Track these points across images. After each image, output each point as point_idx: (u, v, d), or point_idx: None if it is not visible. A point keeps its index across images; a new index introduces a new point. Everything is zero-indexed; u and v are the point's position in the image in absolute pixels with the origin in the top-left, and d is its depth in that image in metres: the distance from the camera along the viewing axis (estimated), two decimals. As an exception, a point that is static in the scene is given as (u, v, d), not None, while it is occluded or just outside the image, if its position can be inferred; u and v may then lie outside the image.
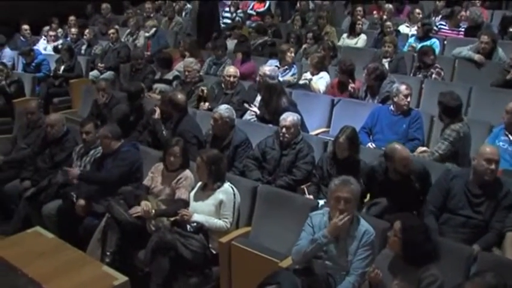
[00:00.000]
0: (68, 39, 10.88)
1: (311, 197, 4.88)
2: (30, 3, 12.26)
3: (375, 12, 11.19)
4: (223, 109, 5.56)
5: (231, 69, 7.07)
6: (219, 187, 4.65)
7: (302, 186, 5.14)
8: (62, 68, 9.38)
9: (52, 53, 10.42)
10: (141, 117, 6.56)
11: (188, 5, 12.48)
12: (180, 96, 6.00)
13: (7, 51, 10.06)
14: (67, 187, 5.46)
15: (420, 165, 4.68)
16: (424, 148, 5.60)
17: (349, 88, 6.86)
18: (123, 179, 5.23)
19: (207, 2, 9.96)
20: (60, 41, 10.87)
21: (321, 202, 4.68)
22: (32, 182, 5.73)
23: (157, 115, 6.12)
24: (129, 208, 4.77)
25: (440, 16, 10.10)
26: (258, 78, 6.76)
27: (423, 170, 4.64)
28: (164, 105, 6.09)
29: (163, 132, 5.97)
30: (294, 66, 7.89)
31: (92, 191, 5.24)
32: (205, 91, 7.03)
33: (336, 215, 3.70)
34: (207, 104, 6.91)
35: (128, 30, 10.99)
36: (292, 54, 7.89)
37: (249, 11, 11.78)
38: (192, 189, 4.86)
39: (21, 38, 11.09)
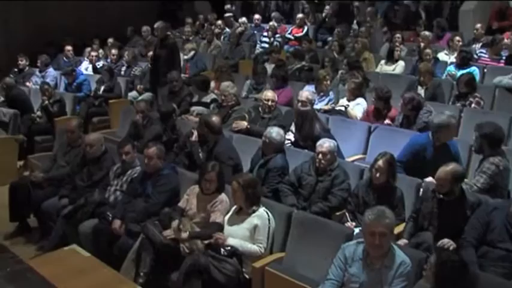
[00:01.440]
0: (108, 60, 11.11)
1: (353, 223, 4.84)
2: (74, 25, 12.56)
3: (412, 39, 11.15)
4: (272, 130, 5.64)
5: (269, 93, 7.10)
6: (254, 211, 4.65)
7: (338, 213, 5.10)
8: (102, 88, 9.61)
9: (93, 73, 10.64)
10: (173, 138, 6.64)
11: (227, 29, 12.62)
12: (215, 119, 6.05)
13: (51, 71, 10.34)
14: (103, 206, 5.53)
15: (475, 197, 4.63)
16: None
17: (386, 121, 6.79)
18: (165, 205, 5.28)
19: (165, 45, 9.10)
20: (101, 62, 11.11)
21: (356, 230, 4.63)
22: (69, 200, 5.79)
23: (194, 137, 6.17)
24: (165, 230, 4.81)
25: (480, 44, 10.00)
26: (298, 104, 6.75)
27: (476, 201, 4.56)
28: (200, 128, 6.15)
29: (200, 155, 6.01)
30: (331, 92, 7.88)
31: (128, 211, 5.30)
32: (246, 117, 7.05)
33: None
34: (244, 123, 6.95)
35: (167, 53, 11.15)
36: (328, 82, 7.88)
37: (287, 36, 11.84)
38: (227, 212, 4.87)
39: (64, 58, 11.36)
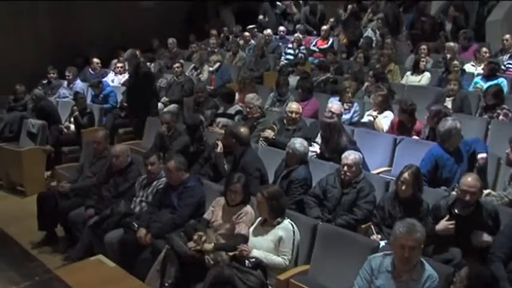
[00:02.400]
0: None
1: (379, 236, 4.80)
2: (102, 38, 12.75)
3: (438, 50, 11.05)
4: (296, 141, 5.64)
5: (294, 105, 7.10)
6: (278, 223, 4.64)
7: (363, 226, 5.07)
8: (128, 100, 9.67)
9: (119, 85, 10.76)
10: (201, 149, 6.68)
11: (252, 41, 12.67)
12: (243, 130, 6.07)
13: (78, 83, 10.46)
14: (129, 217, 5.58)
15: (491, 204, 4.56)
16: (489, 191, 5.42)
17: (414, 137, 6.74)
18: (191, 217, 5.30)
19: (138, 74, 8.72)
20: (127, 74, 11.21)
21: (382, 243, 4.59)
22: (95, 210, 5.85)
23: (219, 149, 6.20)
24: (190, 241, 4.82)
25: (508, 55, 9.88)
26: (329, 115, 6.75)
27: (493, 208, 4.50)
28: (227, 139, 6.17)
29: (225, 166, 6.03)
30: (356, 104, 7.86)
31: (153, 221, 5.33)
32: (275, 129, 7.05)
33: None
34: (272, 132, 6.95)
35: (193, 65, 11.26)
36: (350, 94, 7.86)
37: (312, 48, 11.85)
38: (252, 224, 4.87)
39: (90, 70, 11.49)
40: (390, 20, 12.40)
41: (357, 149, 5.77)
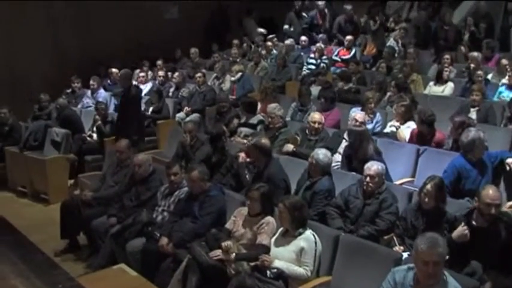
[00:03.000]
0: (156, 81, 11.28)
1: (402, 248, 4.75)
2: (123, 46, 12.90)
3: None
4: (319, 151, 5.61)
5: (316, 116, 7.09)
6: (300, 234, 4.63)
7: (385, 237, 5.02)
8: (151, 109, 9.76)
9: (142, 94, 10.81)
10: (223, 159, 6.69)
11: (274, 51, 12.67)
12: (265, 141, 6.07)
13: (101, 92, 10.58)
14: (151, 226, 5.60)
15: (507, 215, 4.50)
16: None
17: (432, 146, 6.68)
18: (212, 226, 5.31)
19: (127, 96, 8.38)
20: (150, 83, 11.30)
21: (405, 255, 4.55)
22: (118, 219, 5.88)
23: (241, 159, 6.20)
24: (211, 250, 4.83)
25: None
26: (352, 123, 6.74)
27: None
28: (251, 151, 6.15)
29: (247, 176, 6.03)
30: (378, 114, 7.82)
31: (175, 230, 5.34)
32: (298, 140, 7.04)
33: None
34: (292, 146, 6.93)
35: (215, 74, 11.30)
36: (372, 105, 7.83)
37: (334, 57, 11.82)
38: (274, 235, 4.85)
39: (109, 81, 11.56)
40: (422, 30, 12.28)
41: (382, 160, 5.76)
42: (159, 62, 12.11)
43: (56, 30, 12.27)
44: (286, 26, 14.06)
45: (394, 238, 4.93)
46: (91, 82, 10.62)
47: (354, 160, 6.17)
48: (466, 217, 4.50)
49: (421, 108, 7.30)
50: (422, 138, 6.80)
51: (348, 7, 13.02)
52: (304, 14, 14.17)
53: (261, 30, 14.34)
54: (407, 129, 7.10)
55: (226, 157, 6.71)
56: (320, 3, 13.18)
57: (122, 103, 8.56)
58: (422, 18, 12.64)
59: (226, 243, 4.74)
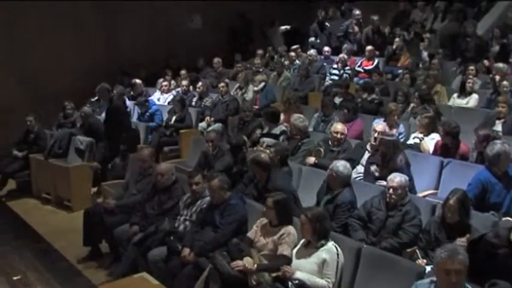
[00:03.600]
0: (179, 90, 11.34)
1: (425, 261, 4.70)
2: (148, 57, 13.00)
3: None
4: (338, 163, 5.57)
5: (339, 126, 7.07)
6: (322, 245, 4.60)
7: (408, 250, 4.97)
8: (174, 118, 9.83)
9: (165, 103, 10.91)
10: (244, 170, 6.68)
11: (297, 61, 12.68)
12: (263, 156, 6.06)
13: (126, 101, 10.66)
14: (173, 235, 5.61)
15: None
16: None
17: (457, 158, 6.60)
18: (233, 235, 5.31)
19: (108, 109, 8.78)
20: (174, 92, 11.37)
21: (428, 268, 4.49)
22: (140, 227, 5.91)
23: None
24: (232, 260, 4.82)
25: None
26: (375, 135, 6.68)
27: None
28: (250, 167, 6.17)
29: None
30: (401, 125, 7.77)
31: (196, 240, 5.35)
32: (321, 152, 7.02)
33: None
34: (313, 158, 6.91)
35: (237, 84, 11.34)
36: (396, 117, 7.78)
37: (357, 68, 11.78)
38: (295, 246, 4.84)
39: (132, 92, 11.65)
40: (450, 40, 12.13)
41: (410, 172, 5.73)
42: (183, 72, 12.16)
43: (83, 40, 12.42)
44: (312, 39, 13.98)
45: (417, 251, 4.88)
46: (114, 92, 10.71)
47: (383, 170, 6.10)
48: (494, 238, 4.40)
49: (446, 120, 7.24)
50: (446, 150, 6.73)
51: (375, 17, 12.90)
52: (327, 24, 14.14)
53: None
54: (431, 141, 7.04)
55: (247, 168, 6.73)
56: (357, 12, 12.93)
57: (106, 116, 8.69)
58: (454, 29, 12.47)
59: (248, 259, 4.74)
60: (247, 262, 4.72)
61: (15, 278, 6.14)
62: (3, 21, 11.18)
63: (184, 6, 13.91)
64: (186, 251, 5.23)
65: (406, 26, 13.20)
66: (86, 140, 8.66)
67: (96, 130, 9.15)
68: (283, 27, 14.46)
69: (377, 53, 12.14)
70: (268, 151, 6.45)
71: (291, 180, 6.13)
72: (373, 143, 6.67)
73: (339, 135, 6.94)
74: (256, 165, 5.99)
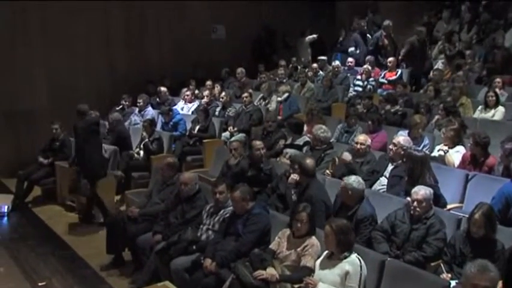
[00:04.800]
0: (202, 101, 11.38)
1: (449, 275, 4.65)
2: (173, 67, 13.12)
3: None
4: (351, 180, 5.50)
5: (361, 137, 7.06)
6: (346, 257, 4.56)
7: (433, 264, 4.92)
8: (197, 128, 9.88)
9: (189, 113, 10.97)
10: (261, 176, 6.77)
11: (321, 72, 12.67)
12: (309, 161, 6.05)
13: (149, 110, 10.79)
14: (195, 244, 5.62)
15: None
16: None
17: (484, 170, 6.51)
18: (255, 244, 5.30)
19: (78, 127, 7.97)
20: (197, 102, 11.43)
21: (453, 283, 4.45)
22: (163, 236, 5.92)
23: (290, 180, 6.18)
24: (255, 270, 4.81)
25: None
26: (392, 148, 6.62)
27: None
28: (293, 169, 6.15)
29: (293, 197, 6.01)
30: (425, 137, 7.71)
31: (218, 250, 5.35)
32: (337, 161, 7.00)
33: None
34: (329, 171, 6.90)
35: (261, 95, 11.36)
36: (420, 130, 7.72)
37: (381, 80, 11.73)
38: (318, 257, 4.81)
39: (158, 99, 11.78)
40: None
41: (438, 188, 5.69)
42: (209, 82, 12.20)
43: (113, 50, 12.56)
44: (352, 49, 13.93)
45: (441, 265, 4.82)
46: (138, 100, 10.83)
47: (410, 186, 6.00)
48: None
49: (476, 131, 7.15)
50: (475, 161, 6.67)
51: (422, 29, 12.64)
52: (368, 35, 14.05)
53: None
54: (456, 154, 6.97)
55: (267, 176, 6.76)
56: (386, 22, 12.60)
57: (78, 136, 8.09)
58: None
59: (270, 270, 4.73)
60: (270, 272, 4.71)
61: (40, 284, 6.22)
62: (37, 29, 11.34)
63: (209, 16, 14.02)
64: (208, 261, 5.23)
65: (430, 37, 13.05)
66: (110, 148, 8.74)
67: (123, 138, 9.26)
68: (310, 37, 14.41)
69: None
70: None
71: (326, 191, 6.10)
72: (390, 155, 6.62)
73: (359, 146, 6.91)
74: (300, 169, 5.97)
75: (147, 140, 9.12)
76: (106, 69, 12.41)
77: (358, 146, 6.94)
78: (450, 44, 12.55)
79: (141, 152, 9.22)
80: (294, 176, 6.15)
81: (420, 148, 7.47)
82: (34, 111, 11.10)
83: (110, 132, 9.51)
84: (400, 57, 12.09)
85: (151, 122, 9.45)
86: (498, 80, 9.77)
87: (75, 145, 8.27)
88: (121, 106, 11.05)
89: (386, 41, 12.33)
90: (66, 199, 9.01)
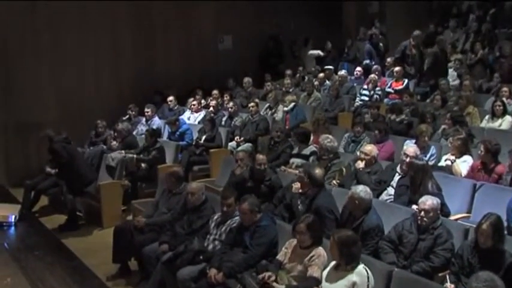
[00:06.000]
0: (209, 110, 11.39)
1: (452, 286, 4.61)
2: (180, 77, 13.16)
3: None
4: (358, 190, 5.50)
5: (368, 147, 7.04)
6: (353, 268, 4.54)
7: (440, 274, 4.89)
8: (204, 137, 9.88)
9: (195, 123, 10.98)
10: (261, 187, 6.76)
11: (327, 82, 12.66)
12: (318, 171, 6.04)
13: (156, 120, 10.82)
14: (202, 254, 5.61)
15: None
16: None
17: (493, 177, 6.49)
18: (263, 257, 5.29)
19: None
20: (203, 112, 11.44)
21: (460, 294, 4.42)
22: (169, 246, 5.90)
23: (294, 189, 6.18)
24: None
25: None
26: (404, 158, 6.60)
27: None
28: (301, 179, 6.14)
29: (299, 207, 6.00)
30: (432, 147, 7.68)
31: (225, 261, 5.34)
32: (344, 171, 6.98)
33: None
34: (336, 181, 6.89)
35: (267, 104, 11.37)
36: (426, 138, 7.69)
37: (387, 89, 11.71)
38: (325, 267, 4.79)
39: (168, 108, 11.82)
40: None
41: (442, 197, 5.66)
42: (215, 92, 12.21)
43: (119, 61, 12.59)
44: (367, 61, 13.91)
45: (447, 276, 4.78)
46: (146, 110, 10.87)
47: (413, 194, 6.00)
48: None
49: (486, 138, 7.13)
50: (485, 168, 6.67)
51: (442, 38, 12.47)
52: (381, 44, 14.00)
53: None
54: (463, 163, 6.95)
55: (266, 186, 6.78)
56: (416, 32, 12.23)
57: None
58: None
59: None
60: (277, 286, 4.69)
61: (47, 294, 6.23)
62: (48, 45, 11.43)
63: (216, 27, 14.07)
64: (213, 271, 5.22)
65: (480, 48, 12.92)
66: (118, 157, 8.75)
67: (134, 148, 9.28)
68: (314, 52, 14.42)
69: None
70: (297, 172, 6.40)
71: (334, 201, 6.08)
72: (404, 168, 6.58)
73: (363, 155, 6.90)
74: (308, 179, 5.96)
75: (134, 156, 9.11)
76: (114, 80, 12.46)
77: (363, 155, 6.92)
78: (472, 52, 12.48)
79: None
80: (296, 185, 6.15)
81: (427, 158, 7.49)
82: (43, 123, 11.11)
83: (117, 140, 9.50)
84: (425, 69, 11.98)
85: (153, 132, 9.45)
86: (505, 89, 9.73)
87: (58, 165, 8.37)
88: (127, 116, 11.08)
89: (414, 51, 12.06)
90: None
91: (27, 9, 11.09)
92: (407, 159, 6.50)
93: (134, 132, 10.51)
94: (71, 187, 8.10)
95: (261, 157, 7.00)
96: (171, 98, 11.82)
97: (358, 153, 7.55)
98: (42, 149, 10.24)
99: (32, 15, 11.17)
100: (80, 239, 7.99)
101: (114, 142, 9.43)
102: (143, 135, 10.19)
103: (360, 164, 6.60)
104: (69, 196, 8.08)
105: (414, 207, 5.65)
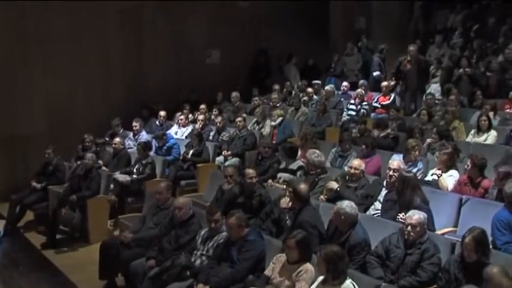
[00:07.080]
0: (196, 125, 11.37)
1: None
2: (168, 91, 13.15)
3: (507, 107, 10.80)
4: (344, 205, 5.50)
5: (355, 162, 7.06)
6: (340, 283, 4.54)
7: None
8: (191, 152, 9.84)
9: (182, 137, 10.95)
10: (251, 203, 6.73)
11: (315, 96, 12.70)
12: (303, 186, 6.05)
13: (143, 135, 10.75)
14: (189, 269, 5.59)
15: None
16: None
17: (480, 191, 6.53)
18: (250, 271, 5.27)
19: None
20: (190, 127, 11.41)
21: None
22: (156, 261, 5.89)
23: (282, 204, 6.17)
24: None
25: None
26: (390, 173, 6.59)
27: None
28: (287, 194, 6.15)
29: (287, 222, 6.00)
30: (420, 162, 7.72)
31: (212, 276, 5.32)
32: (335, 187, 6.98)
33: None
34: (336, 184, 6.87)
35: (255, 119, 11.38)
36: (417, 152, 7.72)
37: (374, 104, 11.78)
38: (313, 282, 4.78)
39: (157, 122, 11.80)
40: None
41: (429, 210, 5.67)
42: (203, 106, 12.19)
43: (109, 75, 12.56)
44: (377, 73, 13.97)
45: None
46: (134, 124, 10.80)
47: (400, 208, 6.00)
48: None
49: (473, 153, 7.19)
50: (471, 182, 6.72)
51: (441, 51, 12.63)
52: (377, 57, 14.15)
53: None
54: (449, 178, 6.99)
55: (256, 201, 6.74)
56: (412, 47, 12.03)
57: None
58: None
59: None
60: None
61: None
62: (37, 57, 11.35)
63: (204, 41, 14.10)
64: (201, 287, 5.19)
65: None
66: (104, 173, 8.71)
67: (127, 162, 9.26)
68: None
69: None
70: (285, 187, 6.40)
71: (319, 216, 6.08)
72: (389, 181, 6.60)
73: (353, 170, 6.92)
74: (293, 194, 5.96)
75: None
76: (103, 94, 12.38)
77: (353, 170, 6.94)
78: (458, 67, 12.60)
79: (134, 176, 9.13)
80: (285, 200, 6.15)
81: (414, 172, 7.51)
82: (31, 136, 11.06)
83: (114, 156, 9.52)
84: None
85: (145, 145, 9.41)
86: (487, 106, 9.84)
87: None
88: (111, 131, 11.03)
89: (408, 66, 11.92)
90: (59, 223, 8.91)
91: (16, 19, 11.03)
92: (391, 172, 6.52)
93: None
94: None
95: (250, 171, 6.99)
96: (162, 113, 11.77)
97: (345, 168, 7.59)
98: (31, 163, 10.23)
99: (20, 26, 11.10)
100: (66, 254, 7.92)
101: (100, 161, 9.39)
102: (130, 150, 10.17)
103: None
104: (70, 211, 8.09)
105: (401, 215, 5.70)
